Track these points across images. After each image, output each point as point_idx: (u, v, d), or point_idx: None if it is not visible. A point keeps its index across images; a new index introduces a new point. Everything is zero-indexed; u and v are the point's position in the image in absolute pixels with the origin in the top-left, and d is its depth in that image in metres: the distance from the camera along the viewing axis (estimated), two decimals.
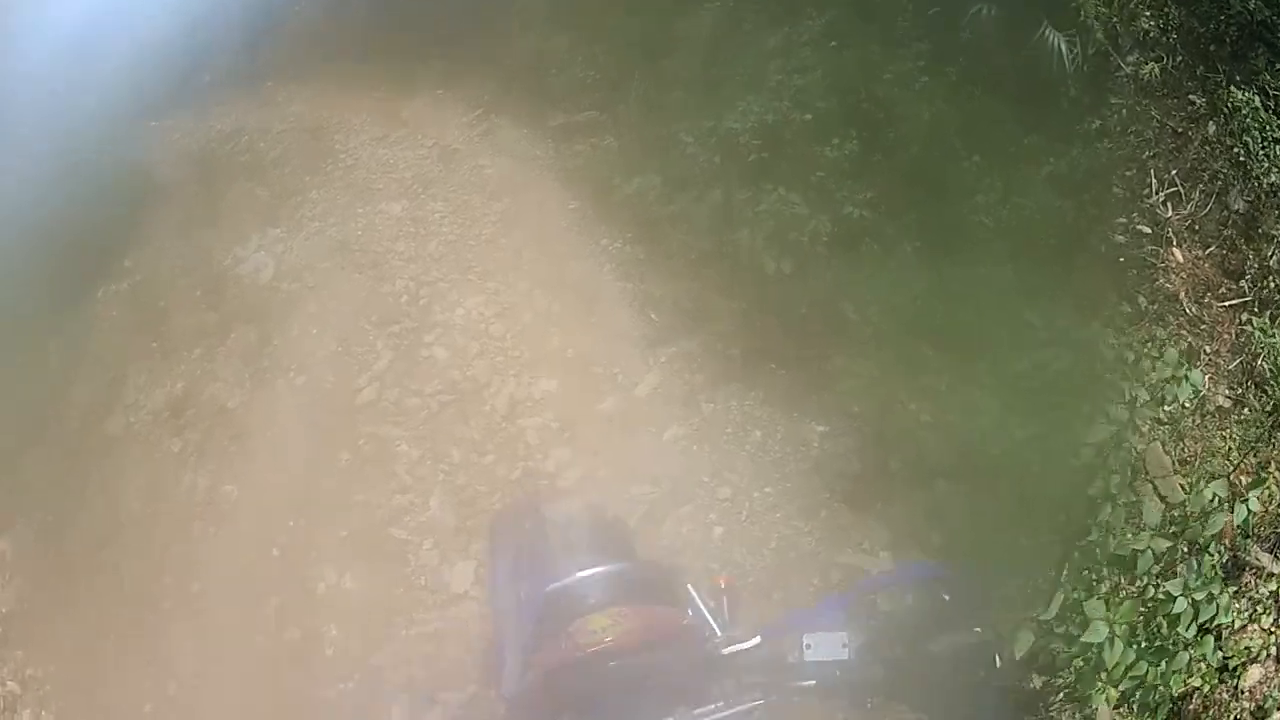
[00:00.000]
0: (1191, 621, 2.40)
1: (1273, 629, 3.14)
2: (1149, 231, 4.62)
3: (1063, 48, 4.76)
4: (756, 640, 1.96)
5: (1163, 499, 2.64)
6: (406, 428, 4.80)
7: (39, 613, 4.65)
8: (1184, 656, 2.40)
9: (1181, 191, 4.72)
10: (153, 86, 7.03)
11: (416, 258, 5.82)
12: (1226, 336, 4.22)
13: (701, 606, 2.15)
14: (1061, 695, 2.95)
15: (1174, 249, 4.56)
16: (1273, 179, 4.39)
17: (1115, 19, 4.75)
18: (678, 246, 5.50)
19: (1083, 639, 2.34)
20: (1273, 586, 3.22)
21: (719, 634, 2.06)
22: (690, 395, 4.85)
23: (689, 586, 2.19)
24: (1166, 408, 2.66)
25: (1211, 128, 4.73)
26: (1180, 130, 4.85)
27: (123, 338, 5.81)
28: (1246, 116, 4.46)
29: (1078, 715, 2.89)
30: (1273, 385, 4.13)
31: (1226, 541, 2.74)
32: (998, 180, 4.80)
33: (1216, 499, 2.46)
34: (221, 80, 7.41)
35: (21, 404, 5.37)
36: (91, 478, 5.03)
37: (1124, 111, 4.83)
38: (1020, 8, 4.95)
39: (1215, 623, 2.50)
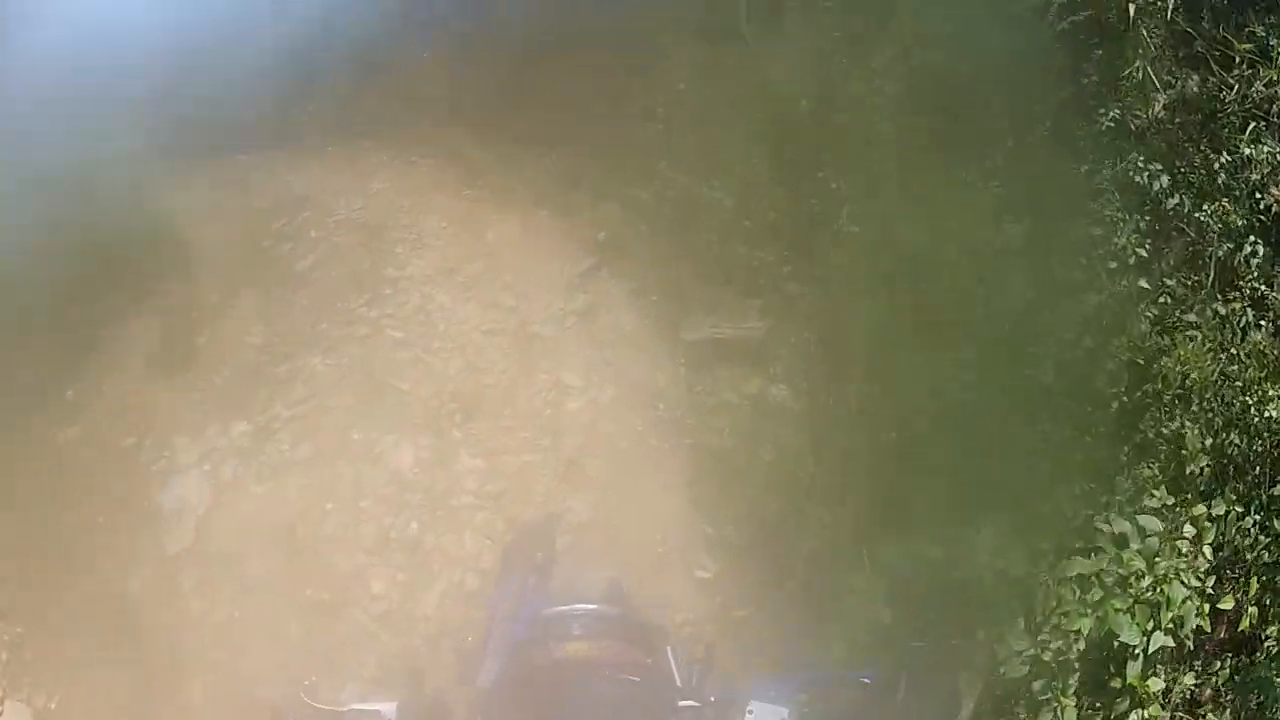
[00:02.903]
0: None
1: None
2: None
3: None
4: (712, 699, 2.44)
5: None
6: None
7: None
8: None
9: None
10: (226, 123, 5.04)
11: (397, 625, 3.43)
12: None
13: (671, 661, 2.55)
14: None
15: None
16: None
17: None
18: None
19: None
20: None
21: (679, 687, 2.50)
22: None
23: (668, 649, 2.56)
24: None
25: None
26: None
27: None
28: None
29: None
30: None
31: None
32: None
33: None
34: (321, 123, 5.23)
35: None
36: None
37: None
38: None
39: None
